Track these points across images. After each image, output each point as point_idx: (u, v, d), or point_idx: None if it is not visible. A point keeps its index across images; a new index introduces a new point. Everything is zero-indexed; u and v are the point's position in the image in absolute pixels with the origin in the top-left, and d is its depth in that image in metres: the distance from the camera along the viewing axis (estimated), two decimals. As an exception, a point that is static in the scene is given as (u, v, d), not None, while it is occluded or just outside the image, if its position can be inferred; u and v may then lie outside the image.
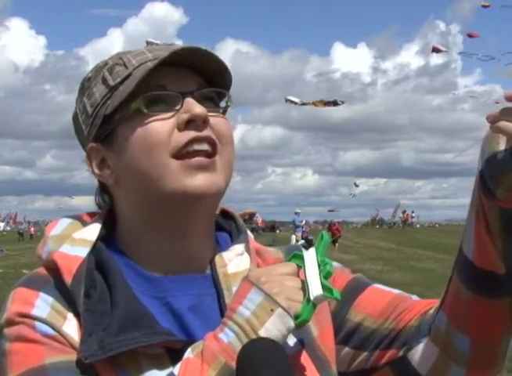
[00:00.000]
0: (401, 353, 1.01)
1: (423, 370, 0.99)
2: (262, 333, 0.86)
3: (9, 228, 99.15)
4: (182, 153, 0.93)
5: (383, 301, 1.06)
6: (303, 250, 1.06)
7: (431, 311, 1.00)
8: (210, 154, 0.95)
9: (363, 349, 1.05)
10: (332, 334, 1.06)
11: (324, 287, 0.90)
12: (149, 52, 0.98)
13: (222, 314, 0.94)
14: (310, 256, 0.94)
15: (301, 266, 0.94)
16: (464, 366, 0.97)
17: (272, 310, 0.87)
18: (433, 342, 0.97)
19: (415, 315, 1.02)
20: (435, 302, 1.02)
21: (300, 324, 0.89)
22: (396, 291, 1.09)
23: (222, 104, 1.02)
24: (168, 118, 0.94)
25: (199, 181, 0.93)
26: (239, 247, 1.02)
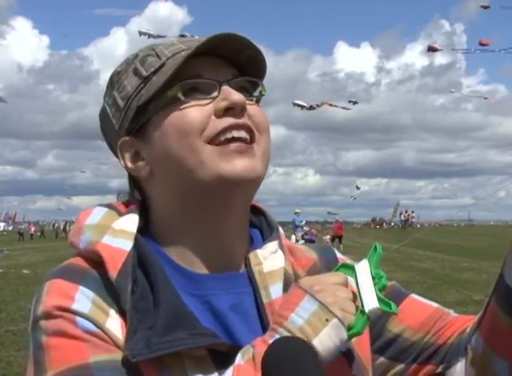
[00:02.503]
0: (439, 370, 1.00)
1: None
2: (316, 342, 0.83)
3: (9, 228, 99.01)
4: (219, 140, 0.91)
5: (423, 314, 1.04)
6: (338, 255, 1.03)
7: (468, 329, 0.99)
8: (248, 142, 0.93)
9: (400, 361, 1.04)
10: (368, 342, 1.04)
11: (380, 300, 0.88)
12: (181, 43, 0.97)
13: (260, 314, 0.94)
14: (363, 268, 0.92)
15: (350, 276, 0.92)
16: None
17: (327, 320, 0.84)
18: (470, 363, 0.96)
19: (454, 331, 1.01)
20: (473, 319, 1.01)
21: (352, 336, 0.87)
22: (435, 305, 1.08)
23: (256, 93, 1.00)
24: (205, 105, 0.93)
25: (237, 166, 0.90)
26: (273, 245, 1.00)
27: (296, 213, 30.51)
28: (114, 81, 1.01)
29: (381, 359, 1.05)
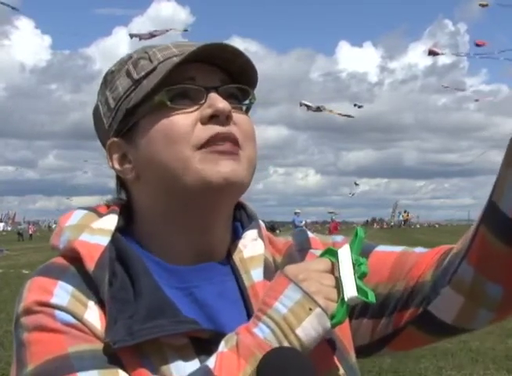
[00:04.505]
0: (421, 309, 1.01)
1: (449, 319, 0.99)
2: (299, 331, 0.85)
3: (9, 228, 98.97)
4: (204, 147, 0.92)
5: (388, 264, 1.05)
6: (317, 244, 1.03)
7: (446, 261, 0.99)
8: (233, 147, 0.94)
9: (381, 316, 1.05)
10: (347, 321, 1.04)
11: (359, 288, 0.88)
12: (175, 47, 0.98)
13: (243, 297, 0.96)
14: (345, 254, 0.92)
15: (334, 262, 0.92)
16: (494, 310, 0.96)
17: (310, 309, 0.86)
18: (455, 291, 0.96)
19: (424, 270, 1.02)
20: (443, 250, 1.03)
21: (334, 325, 0.87)
22: (399, 249, 1.09)
23: (246, 102, 1.01)
24: (191, 112, 0.94)
25: (221, 167, 0.91)
26: (252, 233, 1.02)
27: (296, 213, 30.52)
28: (108, 80, 1.01)
29: (365, 320, 1.06)
